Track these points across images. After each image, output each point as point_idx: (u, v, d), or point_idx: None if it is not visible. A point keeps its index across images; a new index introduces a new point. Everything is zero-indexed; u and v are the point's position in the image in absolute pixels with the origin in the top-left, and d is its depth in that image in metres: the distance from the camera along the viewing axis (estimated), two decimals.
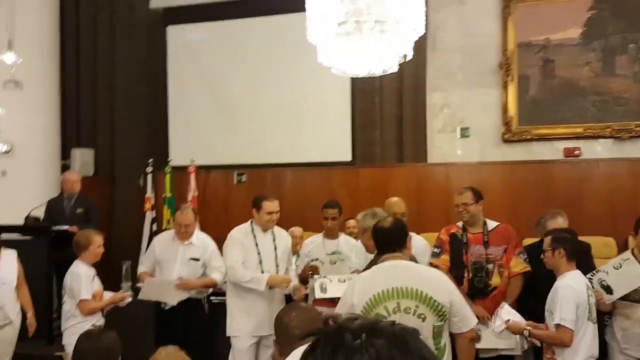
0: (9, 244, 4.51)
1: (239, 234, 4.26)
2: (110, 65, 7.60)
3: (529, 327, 3.43)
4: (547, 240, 3.40)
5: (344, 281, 4.33)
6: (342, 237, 4.53)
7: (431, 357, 0.85)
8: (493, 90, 6.53)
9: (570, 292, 3.16)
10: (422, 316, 2.60)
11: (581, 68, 6.23)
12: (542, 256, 3.47)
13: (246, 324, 4.08)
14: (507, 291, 3.91)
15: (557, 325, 3.16)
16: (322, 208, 4.54)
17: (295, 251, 5.21)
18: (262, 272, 4.16)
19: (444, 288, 2.68)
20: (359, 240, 4.49)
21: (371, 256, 3.49)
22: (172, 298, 4.42)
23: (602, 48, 6.15)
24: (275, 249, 4.26)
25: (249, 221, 4.30)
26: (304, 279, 4.43)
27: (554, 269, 3.37)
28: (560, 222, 3.97)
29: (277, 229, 4.37)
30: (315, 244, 4.51)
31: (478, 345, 3.34)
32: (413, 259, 3.21)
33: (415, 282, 2.64)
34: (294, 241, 5.34)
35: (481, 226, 4.01)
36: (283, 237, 4.41)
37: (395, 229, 2.86)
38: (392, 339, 0.81)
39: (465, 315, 2.74)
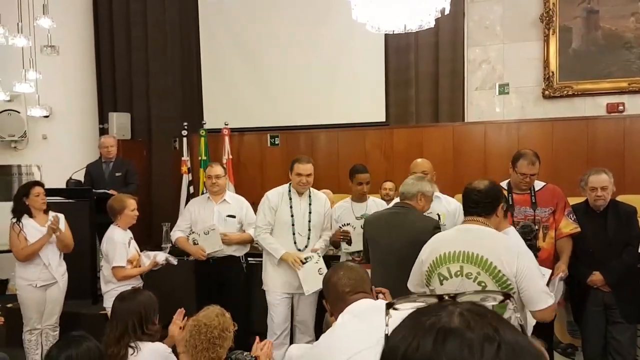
0: (53, 208, 4.65)
1: (275, 195, 4.27)
2: (143, 30, 7.61)
3: None
4: None
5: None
6: (371, 199, 4.48)
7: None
8: (534, 43, 6.30)
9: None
10: (483, 284, 2.48)
11: (626, 19, 5.95)
12: None
13: (277, 280, 4.24)
14: (562, 250, 3.79)
15: None
16: (352, 173, 4.39)
17: None
18: (294, 234, 4.20)
19: (512, 260, 2.47)
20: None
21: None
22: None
23: None
24: (310, 212, 4.23)
25: (288, 183, 4.30)
26: (334, 244, 4.43)
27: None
28: (604, 178, 3.81)
29: (314, 192, 4.33)
30: (344, 209, 4.45)
31: None
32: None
33: (483, 249, 2.50)
34: None
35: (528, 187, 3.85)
36: (320, 200, 4.34)
37: (485, 192, 2.66)
38: None
39: (531, 296, 2.47)
